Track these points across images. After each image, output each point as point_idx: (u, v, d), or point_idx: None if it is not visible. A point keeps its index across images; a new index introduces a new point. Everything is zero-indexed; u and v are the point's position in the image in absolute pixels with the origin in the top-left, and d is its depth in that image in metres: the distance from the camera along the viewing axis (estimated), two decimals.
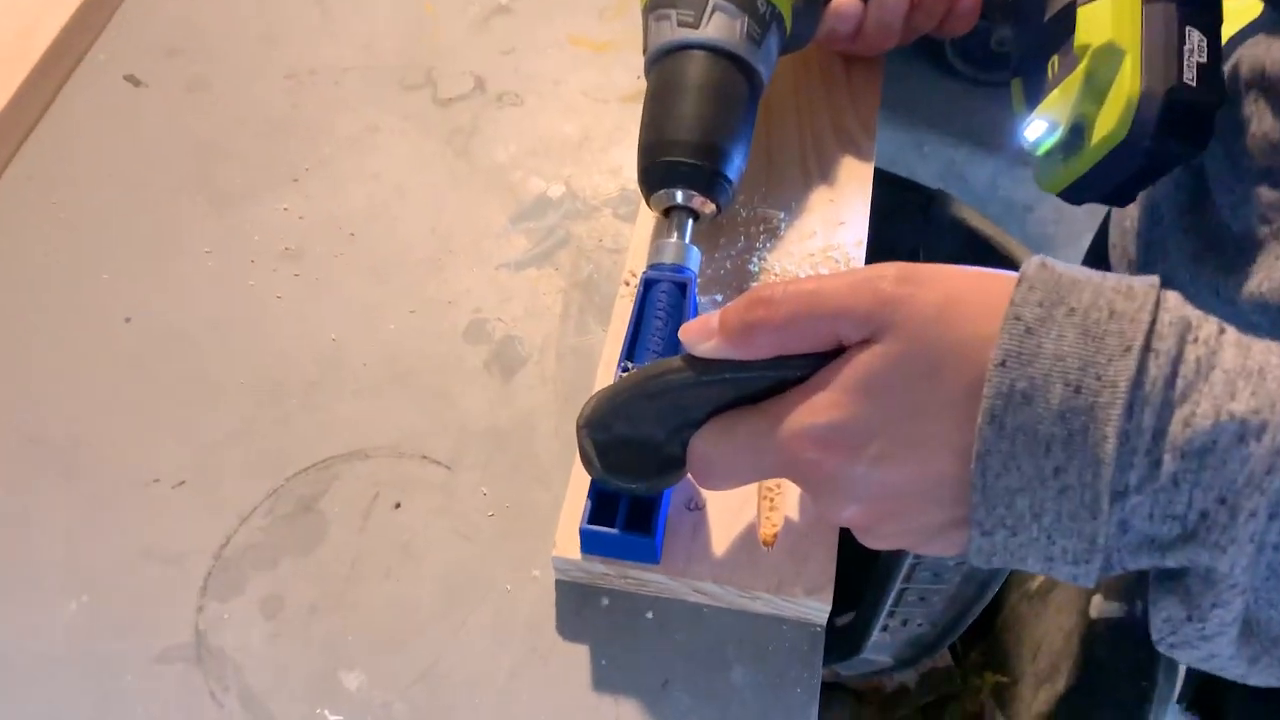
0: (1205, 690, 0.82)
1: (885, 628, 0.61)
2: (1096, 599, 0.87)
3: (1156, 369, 0.31)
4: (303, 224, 0.60)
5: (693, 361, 0.39)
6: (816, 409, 0.35)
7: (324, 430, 0.52)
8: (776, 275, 0.54)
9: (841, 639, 0.64)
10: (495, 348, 0.55)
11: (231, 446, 0.52)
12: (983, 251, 0.97)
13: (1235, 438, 0.30)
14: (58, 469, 0.51)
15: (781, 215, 0.57)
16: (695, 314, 0.50)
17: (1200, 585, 0.33)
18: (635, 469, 0.42)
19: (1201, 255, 0.56)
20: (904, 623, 0.61)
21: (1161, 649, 0.35)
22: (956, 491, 0.34)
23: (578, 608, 0.47)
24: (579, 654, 0.46)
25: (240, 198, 0.61)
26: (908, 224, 1.03)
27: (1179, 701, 0.82)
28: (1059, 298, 0.32)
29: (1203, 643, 0.34)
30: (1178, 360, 0.31)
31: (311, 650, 0.46)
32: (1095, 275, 0.33)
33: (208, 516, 0.50)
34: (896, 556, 0.53)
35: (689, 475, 0.41)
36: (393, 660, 0.46)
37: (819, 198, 0.58)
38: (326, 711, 0.45)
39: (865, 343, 0.35)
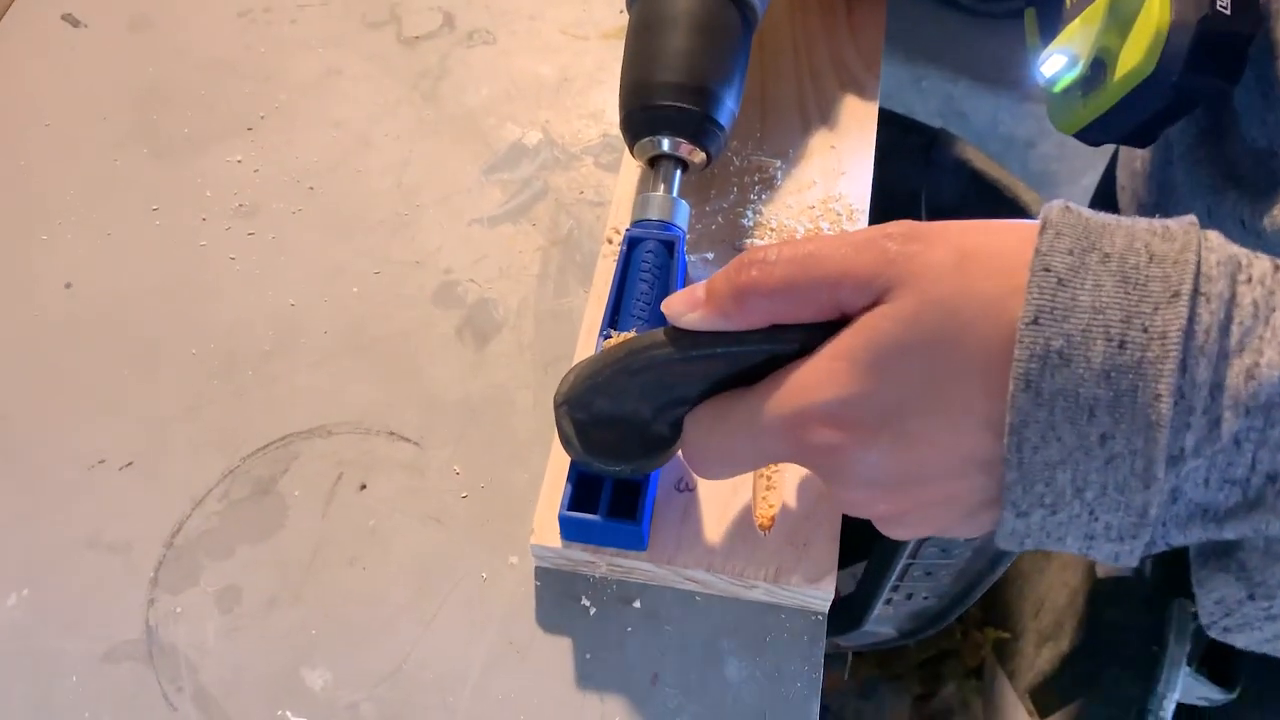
0: (1214, 652, 0.80)
1: (889, 601, 0.58)
2: None
3: (1209, 315, 0.27)
4: (257, 177, 0.55)
5: (680, 334, 0.35)
6: (822, 384, 0.31)
7: (282, 405, 0.48)
8: (773, 230, 0.50)
9: (843, 612, 0.61)
10: (467, 312, 0.51)
11: (182, 423, 0.48)
12: (987, 193, 0.92)
13: None
14: None
15: (778, 164, 0.52)
16: (684, 275, 0.46)
17: (1261, 559, 0.30)
18: (619, 450, 0.38)
19: (1221, 187, 0.52)
20: (908, 596, 0.57)
21: (1213, 633, 0.32)
22: (988, 469, 0.30)
23: (559, 597, 0.43)
24: (560, 647, 0.42)
25: (189, 149, 0.56)
26: (909, 165, 0.98)
27: (1189, 661, 0.80)
28: (1090, 243, 0.28)
29: (1268, 623, 0.31)
30: (1231, 304, 0.28)
31: (271, 646, 0.43)
32: (1124, 219, 0.30)
33: (158, 501, 0.46)
34: None
35: (681, 459, 0.37)
36: (359, 657, 0.42)
37: (819, 143, 0.53)
38: (288, 713, 0.41)
39: (872, 307, 0.31)
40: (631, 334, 0.44)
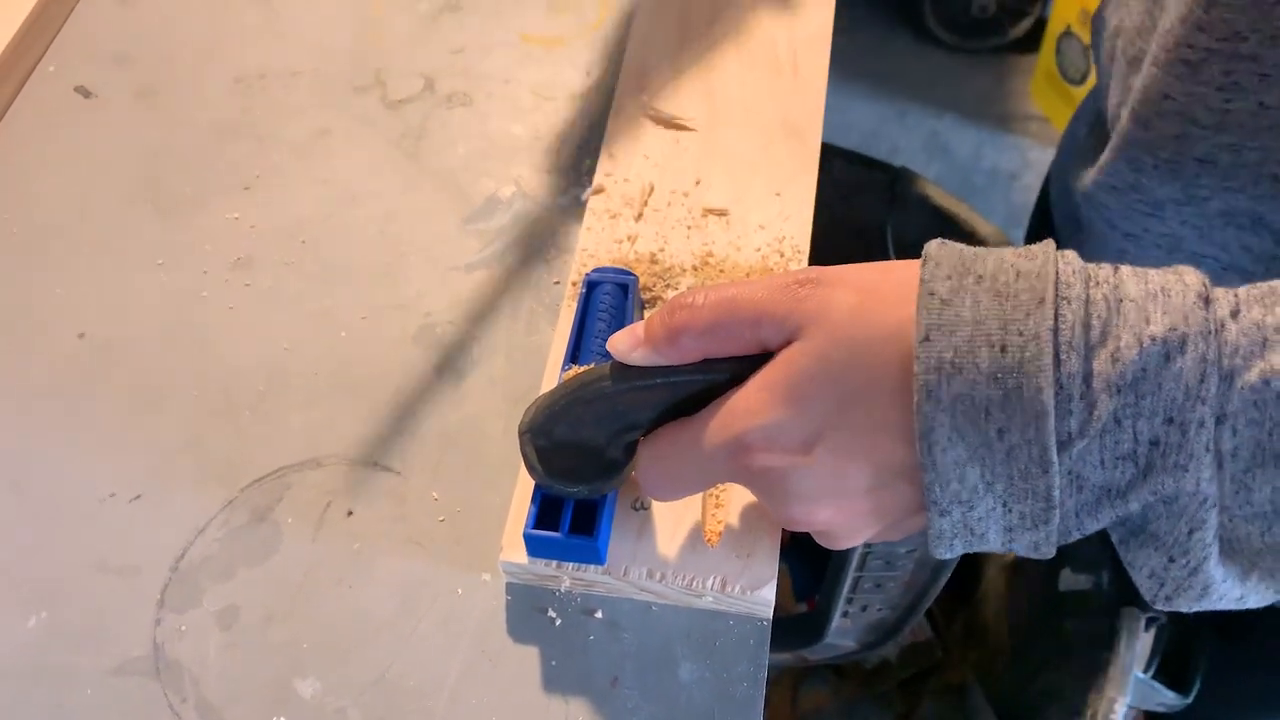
0: (1171, 659, 0.83)
1: (846, 614, 0.62)
2: (1065, 572, 0.88)
3: (1071, 314, 0.31)
4: (254, 232, 0.60)
5: (625, 367, 0.39)
6: (752, 412, 0.36)
7: (277, 440, 0.53)
8: (723, 271, 0.55)
9: (804, 626, 0.65)
10: (445, 351, 0.56)
11: (186, 459, 0.52)
12: (948, 227, 0.97)
13: (1161, 358, 0.31)
14: (13, 485, 0.51)
15: (732, 209, 0.57)
16: (631, 315, 0.50)
17: (1168, 521, 0.33)
18: (577, 473, 0.43)
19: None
20: (863, 609, 0.61)
21: (1160, 606, 0.35)
22: (908, 476, 0.34)
23: (528, 610, 0.48)
24: (529, 655, 0.47)
25: (191, 207, 0.61)
26: (874, 202, 1.03)
27: (1144, 672, 0.83)
28: (966, 269, 0.33)
29: (1193, 578, 0.34)
30: (1088, 303, 0.32)
31: (267, 659, 0.47)
32: (994, 249, 0.34)
33: (164, 529, 0.50)
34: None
35: (639, 483, 0.42)
36: (346, 667, 0.47)
37: (765, 190, 0.58)
38: (282, 719, 0.45)
39: (789, 343, 0.35)
40: (590, 367, 0.48)
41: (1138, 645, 0.75)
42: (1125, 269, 0.33)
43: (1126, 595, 0.79)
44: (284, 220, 0.61)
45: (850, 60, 2.16)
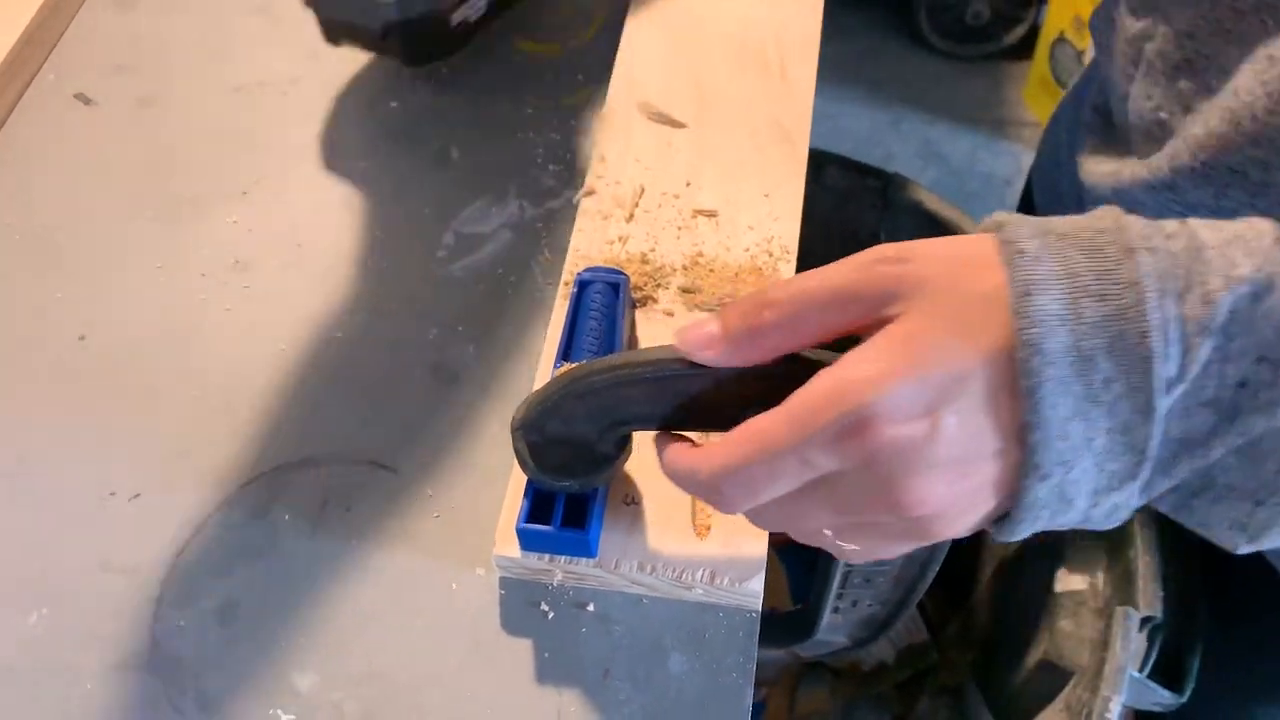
0: (1165, 659, 0.84)
1: (836, 609, 0.63)
2: (1061, 572, 0.89)
3: (1156, 263, 0.32)
4: (252, 236, 0.61)
5: (616, 362, 0.40)
6: (871, 381, 0.33)
7: (274, 439, 0.54)
8: (712, 270, 0.56)
9: (796, 622, 0.65)
10: (440, 352, 0.56)
11: (185, 458, 0.53)
12: (941, 232, 0.98)
13: (1251, 298, 0.31)
14: (15, 484, 0.52)
15: (721, 210, 0.58)
16: (623, 313, 0.51)
17: (1250, 467, 0.33)
18: (569, 467, 0.44)
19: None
20: (854, 604, 0.62)
21: (1244, 550, 0.35)
22: (1012, 436, 0.33)
23: (520, 604, 0.48)
24: (522, 648, 0.47)
25: (190, 211, 0.62)
26: (867, 208, 1.04)
27: (1139, 671, 0.84)
28: (1043, 230, 0.33)
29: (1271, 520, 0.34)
30: (1171, 253, 0.32)
31: (265, 653, 0.48)
32: (1052, 216, 0.34)
33: (163, 527, 0.51)
34: None
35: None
36: (343, 660, 0.47)
37: (754, 192, 0.59)
38: (279, 712, 0.46)
39: (887, 319, 0.34)
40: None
41: (1132, 644, 0.75)
42: (1194, 221, 0.33)
43: (1121, 595, 0.80)
44: (281, 224, 0.62)
45: (845, 67, 2.17)
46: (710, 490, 0.37)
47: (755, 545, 0.47)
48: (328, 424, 0.54)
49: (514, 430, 0.44)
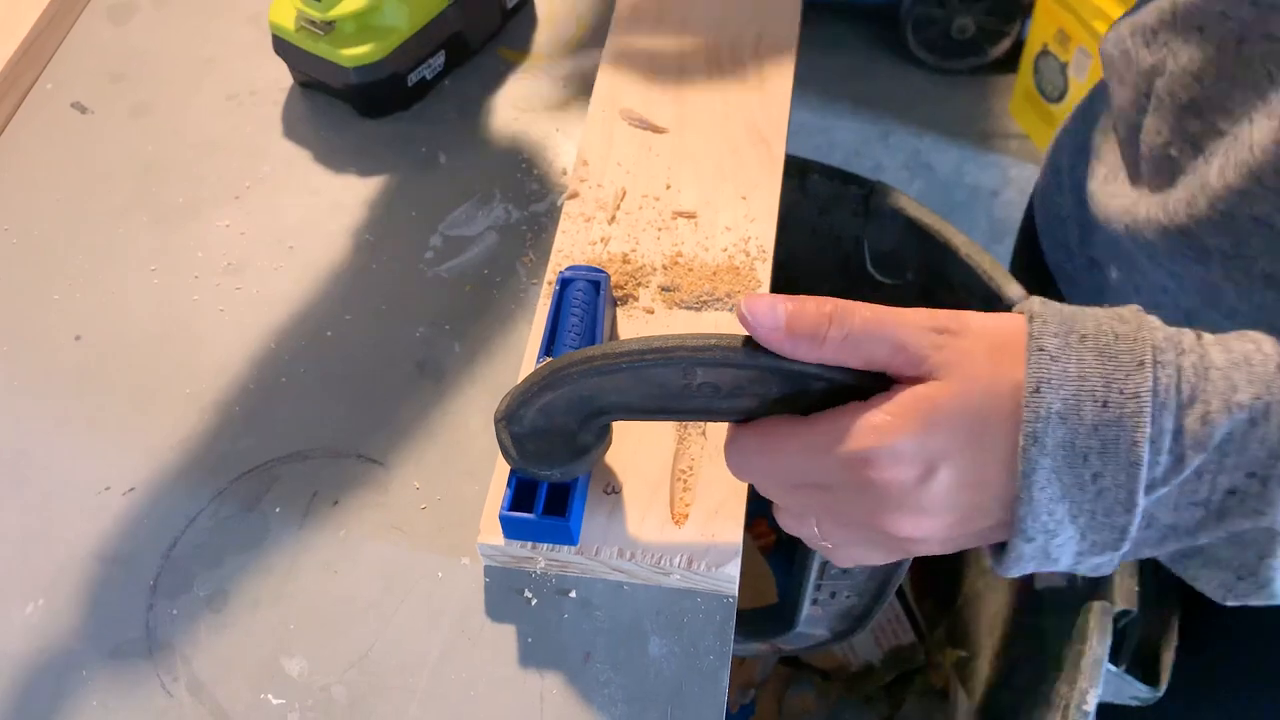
0: (1142, 654, 0.85)
1: (815, 601, 0.64)
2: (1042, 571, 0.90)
3: (1166, 379, 0.36)
4: (244, 239, 0.63)
5: (593, 353, 0.41)
6: (886, 432, 0.37)
7: (265, 434, 0.55)
8: (691, 270, 0.57)
9: (776, 615, 0.67)
10: (427, 350, 0.58)
11: (178, 454, 0.55)
12: (923, 237, 1.00)
13: (1248, 424, 0.35)
14: (12, 480, 0.54)
15: (700, 212, 0.60)
16: (604, 309, 0.53)
17: (1235, 550, 0.37)
18: (550, 457, 0.45)
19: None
20: (832, 595, 0.63)
21: (1230, 604, 0.40)
22: (1005, 504, 0.37)
23: (505, 591, 0.50)
24: (506, 633, 0.49)
25: (184, 216, 0.64)
26: (850, 214, 1.06)
27: (1119, 663, 0.85)
28: (1070, 327, 0.37)
29: (1261, 590, 0.38)
30: (1180, 370, 0.36)
31: (255, 640, 0.49)
32: (1086, 308, 0.38)
33: (156, 520, 0.53)
34: None
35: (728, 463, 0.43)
36: (331, 646, 0.49)
37: (732, 195, 0.61)
38: (270, 696, 0.48)
39: (920, 379, 0.38)
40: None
41: (1109, 638, 0.77)
42: (1208, 337, 0.37)
43: (1097, 590, 0.81)
44: (273, 228, 0.63)
45: (834, 82, 2.20)
46: (735, 465, 0.42)
47: (731, 532, 0.48)
48: (317, 420, 0.56)
49: (497, 422, 0.45)
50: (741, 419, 0.41)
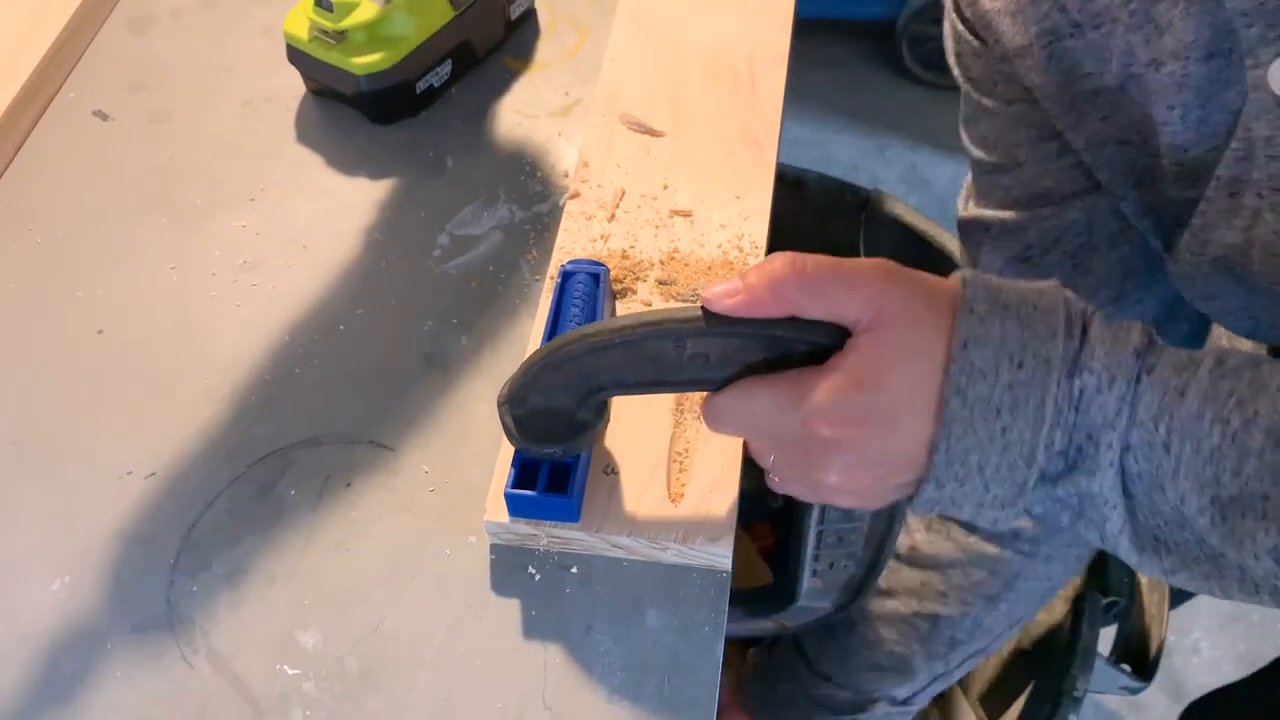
0: (1132, 647, 0.87)
1: (815, 573, 0.66)
2: None
3: (1068, 348, 0.39)
4: (259, 239, 0.66)
5: (587, 330, 0.43)
6: (841, 385, 0.40)
7: (280, 422, 0.58)
8: (687, 265, 0.60)
9: (777, 591, 0.69)
10: (435, 342, 0.61)
11: (197, 440, 0.57)
12: (919, 243, 1.03)
13: (1095, 390, 0.39)
14: (39, 467, 0.56)
15: (695, 210, 0.63)
16: (603, 300, 0.55)
17: (1092, 511, 0.41)
18: (552, 436, 0.47)
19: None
20: (831, 565, 0.65)
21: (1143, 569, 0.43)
22: (926, 451, 0.41)
23: (509, 568, 0.52)
24: (511, 607, 0.51)
25: (201, 217, 0.67)
26: (847, 222, 1.09)
27: (1110, 655, 0.87)
28: (996, 297, 0.40)
29: (1116, 550, 0.42)
30: (1077, 339, 0.40)
31: (271, 615, 0.51)
32: (1011, 281, 0.41)
33: (177, 503, 0.55)
34: (806, 504, 0.58)
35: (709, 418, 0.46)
36: (344, 620, 0.51)
37: (726, 194, 0.63)
38: (285, 666, 0.50)
39: (870, 332, 0.40)
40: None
41: (1098, 626, 0.79)
42: (1098, 315, 0.41)
43: (1090, 581, 0.83)
44: (287, 228, 0.66)
45: (831, 98, 2.24)
46: (707, 410, 0.44)
47: (724, 510, 0.51)
48: (330, 408, 0.58)
49: (500, 405, 0.47)
50: (723, 385, 0.44)
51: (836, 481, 0.42)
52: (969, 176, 0.62)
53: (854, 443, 0.41)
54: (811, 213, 1.11)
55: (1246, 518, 0.38)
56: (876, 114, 2.23)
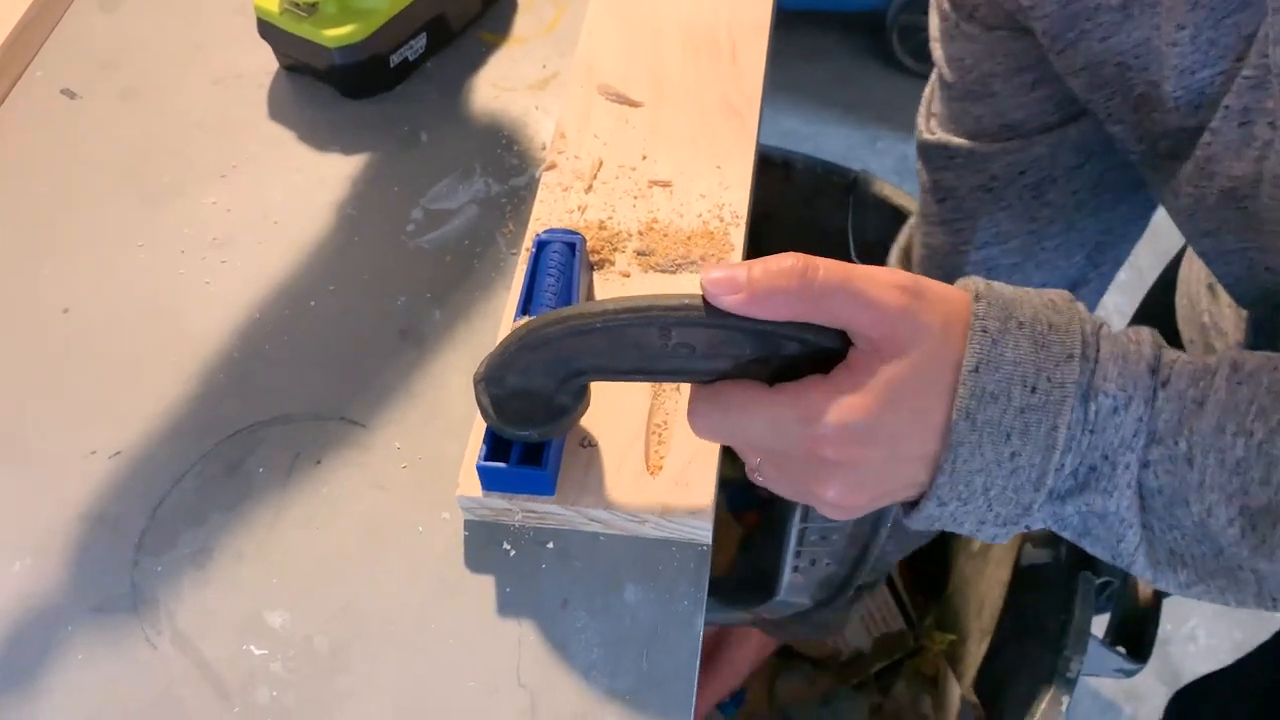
0: (1128, 627, 0.86)
1: (796, 569, 0.65)
2: (1026, 548, 0.91)
3: (1084, 372, 0.38)
4: (230, 216, 0.64)
5: (568, 313, 0.41)
6: (852, 409, 0.38)
7: (249, 400, 0.56)
8: (666, 235, 0.58)
9: (757, 583, 0.68)
10: (409, 318, 0.59)
11: (164, 419, 0.56)
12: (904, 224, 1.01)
13: (1110, 411, 0.38)
14: (1, 444, 0.55)
15: (675, 180, 0.61)
16: (578, 271, 0.54)
17: (1103, 530, 0.40)
18: (529, 418, 0.45)
19: None
20: (812, 563, 0.64)
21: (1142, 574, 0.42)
22: (929, 469, 0.39)
23: (484, 544, 0.51)
24: (485, 584, 0.50)
25: (171, 194, 0.65)
26: (834, 204, 1.08)
27: (1105, 637, 0.86)
28: (1009, 312, 0.38)
29: (1132, 568, 0.41)
30: (1093, 361, 0.38)
31: (238, 594, 0.50)
32: (1024, 290, 0.40)
33: (142, 481, 0.54)
34: (788, 501, 0.57)
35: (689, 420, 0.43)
36: (314, 599, 0.50)
37: (706, 164, 0.62)
38: (252, 647, 0.48)
39: (878, 347, 0.38)
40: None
41: (1092, 607, 0.78)
42: (1107, 334, 0.39)
43: (1082, 563, 0.82)
44: (258, 204, 0.64)
45: (822, 90, 2.23)
46: (695, 423, 0.42)
47: (705, 482, 0.49)
48: (300, 385, 0.57)
49: (476, 383, 0.45)
50: (715, 380, 0.41)
51: (833, 497, 0.40)
52: (929, 88, 0.61)
53: (856, 464, 0.39)
54: (798, 195, 1.09)
55: (1278, 527, 0.37)
56: (867, 105, 2.22)
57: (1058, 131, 0.53)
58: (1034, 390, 0.37)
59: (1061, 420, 0.37)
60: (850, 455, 0.39)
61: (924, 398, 0.38)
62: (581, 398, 0.47)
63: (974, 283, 0.39)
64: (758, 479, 0.44)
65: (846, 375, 0.39)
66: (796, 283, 0.38)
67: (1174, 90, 0.44)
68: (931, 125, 0.60)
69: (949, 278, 0.41)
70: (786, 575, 0.65)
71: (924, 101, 0.61)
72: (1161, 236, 0.87)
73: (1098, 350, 0.38)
